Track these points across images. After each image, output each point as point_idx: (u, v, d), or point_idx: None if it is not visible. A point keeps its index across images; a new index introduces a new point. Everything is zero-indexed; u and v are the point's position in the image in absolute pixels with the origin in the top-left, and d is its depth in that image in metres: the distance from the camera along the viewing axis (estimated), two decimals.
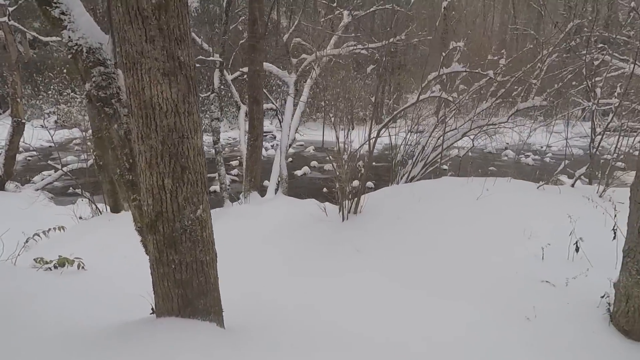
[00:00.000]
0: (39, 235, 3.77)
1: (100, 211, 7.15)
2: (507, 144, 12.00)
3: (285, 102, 8.34)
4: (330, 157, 5.39)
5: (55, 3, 2.00)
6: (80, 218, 7.27)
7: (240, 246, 4.64)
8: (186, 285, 2.19)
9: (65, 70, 21.74)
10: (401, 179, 6.52)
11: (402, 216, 4.76)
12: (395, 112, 5.68)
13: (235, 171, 13.54)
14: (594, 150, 5.19)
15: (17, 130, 9.25)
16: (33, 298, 2.70)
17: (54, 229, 3.91)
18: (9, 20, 8.28)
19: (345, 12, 8.95)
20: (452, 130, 6.77)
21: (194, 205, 2.11)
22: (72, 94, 22.28)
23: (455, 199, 4.98)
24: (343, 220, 5.12)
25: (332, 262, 4.20)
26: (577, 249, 3.34)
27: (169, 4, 1.83)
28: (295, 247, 4.65)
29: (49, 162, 10.71)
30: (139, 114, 1.91)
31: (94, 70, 2.13)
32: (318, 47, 8.13)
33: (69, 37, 2.06)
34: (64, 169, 10.47)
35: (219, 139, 6.62)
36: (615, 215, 3.23)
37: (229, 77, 9.35)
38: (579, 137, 7.00)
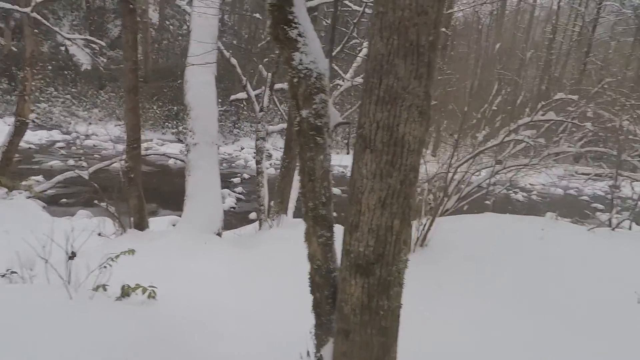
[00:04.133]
0: (113, 260, 3.34)
1: (124, 228, 6.61)
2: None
3: None
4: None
5: (294, 24, 1.89)
6: (99, 235, 6.69)
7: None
8: (390, 332, 2.07)
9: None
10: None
11: (473, 253, 4.78)
12: (477, 151, 5.78)
13: (239, 189, 13.16)
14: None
15: (19, 130, 8.52)
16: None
17: (125, 253, 3.48)
18: (31, 12, 7.75)
19: None
20: (488, 167, 6.99)
21: (407, 246, 2.03)
22: (55, 92, 20.53)
23: (517, 237, 5.09)
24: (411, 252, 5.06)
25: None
26: None
27: (436, 42, 1.79)
28: None
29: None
30: (384, 150, 1.82)
31: (317, 97, 2.04)
32: None
33: (301, 60, 1.95)
34: (59, 176, 9.72)
35: (262, 159, 6.43)
36: None
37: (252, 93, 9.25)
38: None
